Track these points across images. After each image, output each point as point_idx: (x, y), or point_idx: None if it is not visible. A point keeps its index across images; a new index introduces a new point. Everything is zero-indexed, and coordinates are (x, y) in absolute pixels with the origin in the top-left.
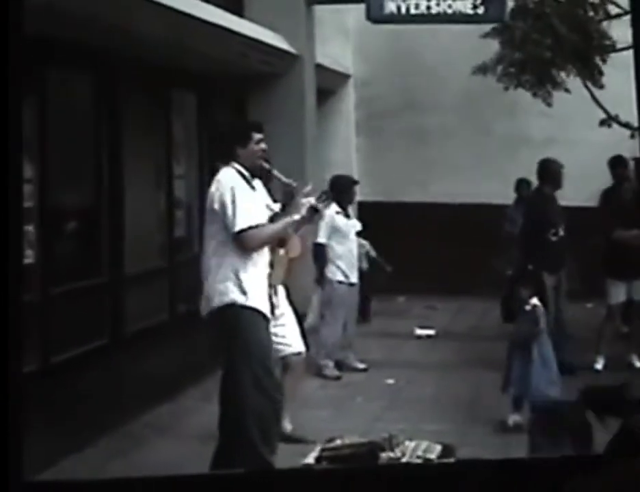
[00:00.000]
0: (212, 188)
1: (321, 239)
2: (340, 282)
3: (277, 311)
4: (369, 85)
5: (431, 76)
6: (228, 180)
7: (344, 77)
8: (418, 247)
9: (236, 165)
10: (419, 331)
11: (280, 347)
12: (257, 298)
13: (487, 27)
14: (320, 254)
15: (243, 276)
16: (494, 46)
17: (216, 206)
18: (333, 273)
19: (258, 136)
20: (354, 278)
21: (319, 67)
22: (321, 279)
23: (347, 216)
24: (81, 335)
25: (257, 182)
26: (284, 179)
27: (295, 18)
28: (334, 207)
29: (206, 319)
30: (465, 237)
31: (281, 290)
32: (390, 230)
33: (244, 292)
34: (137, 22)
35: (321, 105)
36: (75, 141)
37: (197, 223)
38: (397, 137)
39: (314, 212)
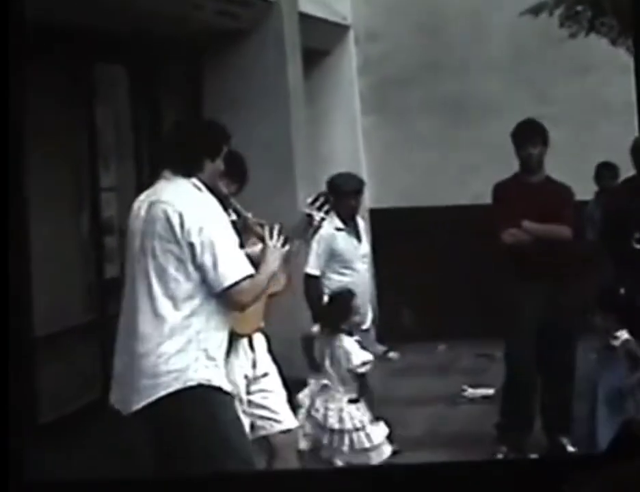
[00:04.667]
0: (180, 210)
1: (313, 268)
2: None
3: (256, 372)
4: (377, 39)
5: (464, 25)
6: (204, 204)
7: (342, 30)
8: (459, 271)
9: (198, 182)
10: (471, 391)
11: (263, 423)
12: (223, 374)
13: None
14: (312, 290)
15: (212, 344)
16: None
17: (193, 239)
18: None
19: (225, 149)
20: (365, 322)
21: (305, 17)
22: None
23: (356, 235)
24: None
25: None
26: (243, 211)
27: None
28: (333, 219)
29: (134, 414)
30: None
31: (259, 341)
32: (416, 248)
33: (212, 368)
34: None
35: (311, 71)
36: None
37: None
38: (419, 113)
39: (310, 224)
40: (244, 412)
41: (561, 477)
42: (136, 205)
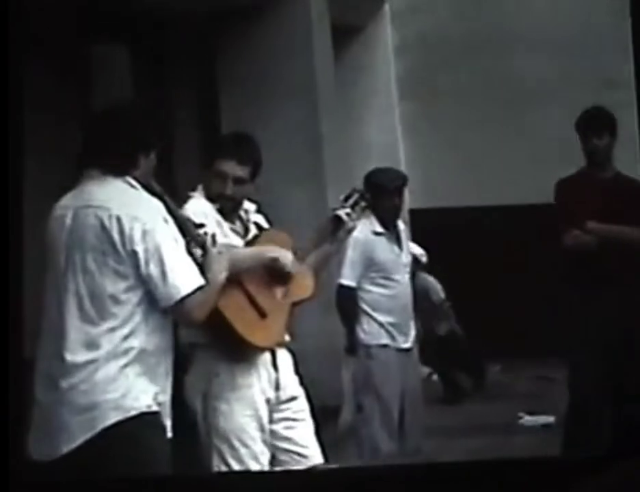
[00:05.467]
0: (118, 214)
1: (347, 279)
2: (382, 346)
3: (280, 395)
4: (416, 14)
5: None
6: (144, 205)
7: (376, 4)
8: (513, 280)
9: (132, 181)
10: (528, 419)
11: (286, 457)
12: (167, 398)
13: None
14: (346, 303)
15: (153, 365)
16: None
17: (136, 247)
18: (370, 333)
19: (159, 142)
20: (407, 340)
21: None
22: (352, 343)
23: (397, 240)
24: None
25: None
26: (177, 211)
27: None
28: (372, 222)
29: (62, 458)
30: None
31: (284, 358)
32: (463, 255)
33: (152, 392)
34: None
35: (341, 51)
36: None
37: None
38: (465, 98)
39: (339, 225)
40: (264, 442)
41: (561, 477)
42: (57, 212)
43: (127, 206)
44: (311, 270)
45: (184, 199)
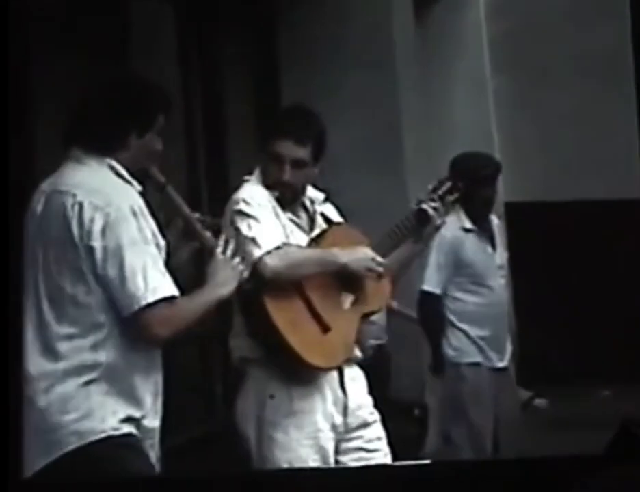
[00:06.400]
0: (82, 200)
1: (432, 285)
2: (474, 365)
3: (349, 421)
4: None
5: None
6: (118, 194)
7: None
8: (628, 286)
9: (116, 165)
10: None
11: None
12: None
13: None
14: (430, 314)
15: (124, 384)
16: None
17: (94, 242)
18: (458, 349)
19: (161, 122)
20: (502, 358)
21: None
22: (437, 361)
23: (490, 238)
24: None
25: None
26: (183, 207)
27: None
28: (459, 216)
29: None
30: None
31: (355, 378)
32: (569, 256)
33: (122, 413)
34: None
35: (425, 15)
36: None
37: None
38: (570, 72)
39: (424, 220)
40: None
41: (561, 477)
42: (35, 197)
43: (94, 192)
44: (389, 274)
45: (236, 188)
